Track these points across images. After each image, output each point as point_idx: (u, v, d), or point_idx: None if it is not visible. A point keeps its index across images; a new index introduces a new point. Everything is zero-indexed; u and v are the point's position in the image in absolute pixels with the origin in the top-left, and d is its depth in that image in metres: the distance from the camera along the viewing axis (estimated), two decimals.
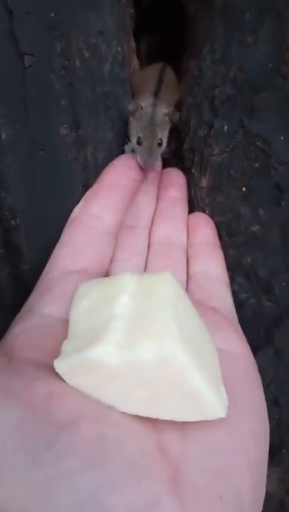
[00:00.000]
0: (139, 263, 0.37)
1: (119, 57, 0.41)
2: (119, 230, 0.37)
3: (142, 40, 0.60)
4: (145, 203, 0.41)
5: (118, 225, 0.37)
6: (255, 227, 0.39)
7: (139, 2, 0.57)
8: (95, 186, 0.37)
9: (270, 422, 0.29)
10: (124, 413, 0.23)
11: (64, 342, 0.24)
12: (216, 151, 0.41)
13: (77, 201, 0.36)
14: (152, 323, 0.22)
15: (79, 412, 0.22)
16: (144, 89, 0.44)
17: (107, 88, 0.39)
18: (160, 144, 0.40)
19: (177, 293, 0.25)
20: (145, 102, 0.41)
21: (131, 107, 0.40)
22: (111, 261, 0.36)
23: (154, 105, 0.41)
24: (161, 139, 0.40)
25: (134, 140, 0.40)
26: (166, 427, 0.24)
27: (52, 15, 0.32)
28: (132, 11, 0.53)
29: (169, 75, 0.48)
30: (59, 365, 0.23)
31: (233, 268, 0.39)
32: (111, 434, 0.22)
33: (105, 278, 0.28)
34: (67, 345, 0.24)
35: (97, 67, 0.38)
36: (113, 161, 0.38)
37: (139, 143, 0.39)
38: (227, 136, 0.40)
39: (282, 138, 0.37)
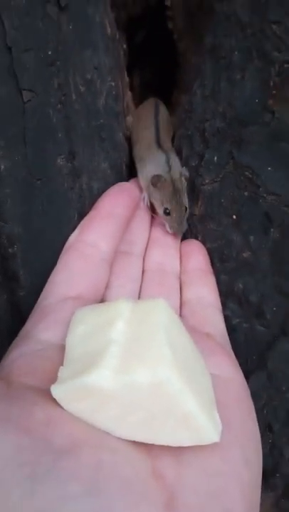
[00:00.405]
0: (133, 289, 0.38)
1: (113, 92, 0.42)
2: (115, 257, 0.38)
3: (135, 75, 0.63)
4: (140, 229, 0.42)
5: (113, 252, 0.37)
6: (246, 254, 0.40)
7: (132, 38, 0.59)
8: (91, 214, 0.38)
9: (263, 447, 0.30)
10: (120, 438, 0.24)
11: (60, 368, 0.25)
12: (207, 181, 0.42)
13: (73, 229, 0.37)
14: (147, 349, 0.23)
15: (77, 438, 0.22)
16: (145, 141, 0.46)
17: (101, 121, 0.41)
18: (186, 210, 0.42)
19: (171, 319, 0.26)
20: (160, 168, 0.43)
21: (154, 179, 0.41)
22: (106, 287, 0.36)
23: (170, 169, 0.43)
24: (186, 206, 0.42)
25: (160, 211, 0.42)
26: (161, 452, 0.24)
27: (50, 52, 0.33)
28: (125, 46, 0.56)
29: (163, 115, 0.50)
30: (56, 391, 0.23)
31: (226, 294, 0.40)
32: (108, 460, 0.22)
33: (101, 304, 0.29)
34: (63, 371, 0.24)
35: (92, 101, 0.40)
36: (108, 190, 0.40)
37: (166, 213, 0.41)
38: (217, 166, 0.42)
39: (269, 169, 0.39)
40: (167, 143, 0.47)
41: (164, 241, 0.41)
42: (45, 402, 0.24)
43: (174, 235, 0.42)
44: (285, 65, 0.37)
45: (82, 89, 0.39)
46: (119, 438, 0.24)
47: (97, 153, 0.41)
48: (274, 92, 0.38)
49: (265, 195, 0.39)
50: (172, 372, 0.22)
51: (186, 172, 0.43)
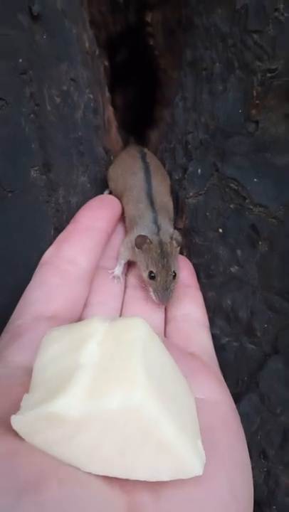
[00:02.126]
0: (115, 306, 0.36)
1: (92, 105, 0.41)
2: (95, 273, 0.36)
3: (118, 95, 0.62)
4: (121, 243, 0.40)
5: (93, 268, 0.35)
6: (233, 268, 0.38)
7: (113, 57, 0.59)
8: (69, 228, 0.36)
9: (257, 475, 0.27)
10: (90, 474, 0.21)
11: (25, 395, 0.22)
12: (191, 194, 0.41)
13: (50, 244, 0.35)
14: (121, 372, 0.21)
15: (42, 473, 0.20)
16: (133, 197, 0.41)
17: (79, 134, 0.39)
18: (174, 277, 0.37)
19: (150, 338, 0.24)
20: (147, 230, 0.38)
21: (138, 240, 0.37)
22: (85, 305, 0.34)
23: (159, 231, 0.38)
24: (175, 272, 0.37)
25: (144, 274, 0.37)
26: (137, 486, 0.22)
27: (20, 60, 0.32)
28: (106, 63, 0.55)
29: (155, 167, 0.44)
30: (17, 422, 0.20)
31: (213, 310, 0.38)
32: (77, 497, 0.19)
33: (74, 324, 0.26)
34: (28, 398, 0.21)
35: (70, 113, 0.39)
36: (89, 202, 0.38)
37: (151, 277, 0.37)
38: (201, 179, 0.40)
39: (255, 180, 0.38)
40: (161, 195, 0.42)
41: None
42: (7, 433, 0.21)
43: (158, 305, 0.36)
44: (267, 74, 0.36)
45: (58, 100, 0.37)
46: (89, 473, 0.21)
47: (75, 167, 0.39)
48: (257, 101, 0.37)
49: (251, 207, 0.37)
50: (147, 397, 0.20)
51: (178, 236, 0.39)
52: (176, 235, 0.39)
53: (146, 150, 0.46)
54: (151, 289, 0.36)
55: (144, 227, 0.38)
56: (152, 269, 0.37)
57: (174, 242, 0.38)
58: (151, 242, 0.37)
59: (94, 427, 0.20)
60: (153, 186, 0.41)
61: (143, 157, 0.44)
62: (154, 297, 0.36)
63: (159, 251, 0.37)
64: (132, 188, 0.41)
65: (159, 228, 0.38)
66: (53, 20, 0.38)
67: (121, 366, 0.21)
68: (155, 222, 0.39)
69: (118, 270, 0.38)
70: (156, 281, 0.36)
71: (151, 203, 0.40)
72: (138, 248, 0.37)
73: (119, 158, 0.46)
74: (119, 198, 0.41)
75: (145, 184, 0.41)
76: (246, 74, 0.37)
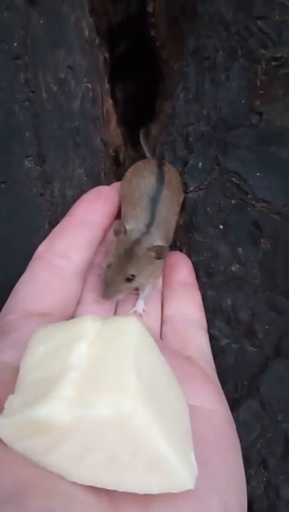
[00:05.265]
0: (108, 305, 0.34)
1: (90, 94, 0.40)
2: (89, 269, 0.34)
3: (118, 88, 0.61)
4: None
5: (88, 264, 0.34)
6: (234, 267, 0.36)
7: (114, 49, 0.58)
8: (64, 221, 0.34)
9: (257, 487, 0.25)
10: (76, 483, 0.20)
11: (10, 396, 0.20)
12: (191, 188, 0.39)
13: (43, 238, 0.34)
14: (110, 376, 0.19)
15: (24, 482, 0.18)
16: (134, 199, 0.37)
17: (76, 124, 0.38)
18: (129, 280, 0.33)
19: (143, 340, 0.22)
20: (134, 225, 0.35)
21: (117, 227, 0.34)
22: (78, 303, 0.33)
23: (144, 234, 0.34)
24: (133, 276, 0.33)
25: (105, 264, 0.34)
26: (125, 499, 0.20)
27: (15, 44, 0.30)
28: (106, 55, 0.54)
29: (171, 178, 0.38)
30: (0, 426, 0.19)
31: (213, 311, 0.37)
32: (61, 509, 0.18)
33: (64, 322, 0.25)
34: (13, 401, 0.20)
35: (66, 102, 0.37)
36: (85, 194, 0.36)
37: (108, 266, 0.33)
38: (202, 172, 0.39)
39: (258, 174, 0.36)
40: (166, 209, 0.37)
41: None
42: None
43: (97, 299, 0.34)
44: (272, 63, 0.35)
45: (55, 88, 0.36)
46: (74, 483, 0.20)
47: (71, 158, 0.38)
48: (261, 91, 0.36)
49: (253, 202, 0.36)
50: (138, 405, 0.18)
51: (160, 249, 0.34)
52: (159, 248, 0.34)
53: (167, 163, 0.41)
54: (100, 280, 0.34)
55: (133, 224, 0.35)
56: (111, 260, 0.33)
57: (153, 253, 0.34)
58: (125, 233, 0.34)
59: (80, 436, 0.19)
60: (161, 196, 0.37)
61: (160, 165, 0.39)
62: (97, 289, 0.33)
63: (127, 247, 0.33)
64: (135, 190, 0.37)
65: (146, 232, 0.34)
66: (50, 4, 0.36)
67: (111, 370, 0.20)
68: (147, 226, 0.35)
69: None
70: (106, 272, 0.33)
71: (152, 209, 0.36)
72: (114, 235, 0.34)
73: (134, 165, 0.41)
74: (122, 200, 0.38)
75: (152, 190, 0.37)
76: (250, 62, 0.36)
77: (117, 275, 0.33)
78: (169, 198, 0.37)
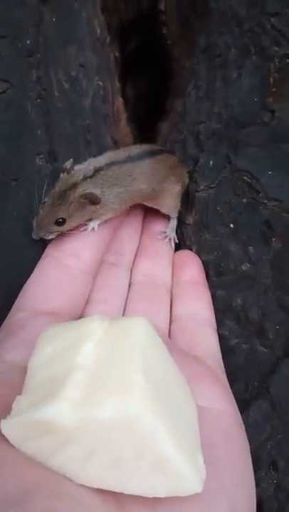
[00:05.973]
0: (117, 305, 0.34)
1: (101, 92, 0.40)
2: (99, 268, 0.34)
3: (129, 86, 0.61)
4: (128, 237, 0.38)
5: (97, 263, 0.34)
6: (245, 266, 0.36)
7: (125, 47, 0.57)
8: None
9: (266, 489, 0.25)
10: (82, 485, 0.19)
11: (17, 397, 0.20)
12: (202, 187, 0.39)
13: None
14: (117, 377, 0.19)
15: (30, 484, 0.18)
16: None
17: (87, 122, 0.38)
18: (59, 223, 0.32)
19: (151, 341, 0.22)
20: (84, 166, 0.34)
21: (65, 164, 0.33)
22: (87, 302, 0.33)
23: (88, 178, 0.33)
24: (63, 219, 0.32)
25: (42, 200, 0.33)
26: (132, 502, 0.20)
27: (28, 42, 0.30)
28: (117, 54, 0.53)
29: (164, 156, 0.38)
30: (6, 427, 0.19)
31: (223, 310, 0.36)
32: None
33: (72, 322, 0.25)
34: (20, 401, 0.20)
35: (77, 100, 0.37)
36: None
37: (42, 205, 0.33)
38: (213, 171, 0.39)
39: (270, 173, 0.36)
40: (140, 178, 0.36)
41: (155, 250, 0.38)
42: None
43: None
44: (286, 60, 0.34)
45: (66, 86, 0.36)
46: (81, 485, 0.20)
47: (82, 156, 0.38)
48: (274, 89, 0.35)
49: (265, 201, 0.35)
50: (145, 406, 0.18)
51: (93, 197, 0.32)
52: (91, 196, 0.32)
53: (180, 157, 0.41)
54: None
55: (86, 165, 0.34)
56: (45, 199, 0.32)
57: (84, 200, 0.32)
58: (65, 172, 0.32)
59: (86, 437, 0.18)
60: (142, 160, 0.35)
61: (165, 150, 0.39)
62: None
63: (62, 189, 0.32)
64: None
65: (90, 177, 0.33)
66: (62, 2, 0.36)
67: (118, 371, 0.20)
68: (95, 171, 0.33)
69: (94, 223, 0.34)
70: (38, 212, 0.32)
71: (116, 161, 0.34)
72: (61, 172, 0.33)
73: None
74: None
75: (135, 149, 0.36)
76: (263, 60, 0.36)
77: (47, 217, 0.32)
78: (154, 168, 0.36)
